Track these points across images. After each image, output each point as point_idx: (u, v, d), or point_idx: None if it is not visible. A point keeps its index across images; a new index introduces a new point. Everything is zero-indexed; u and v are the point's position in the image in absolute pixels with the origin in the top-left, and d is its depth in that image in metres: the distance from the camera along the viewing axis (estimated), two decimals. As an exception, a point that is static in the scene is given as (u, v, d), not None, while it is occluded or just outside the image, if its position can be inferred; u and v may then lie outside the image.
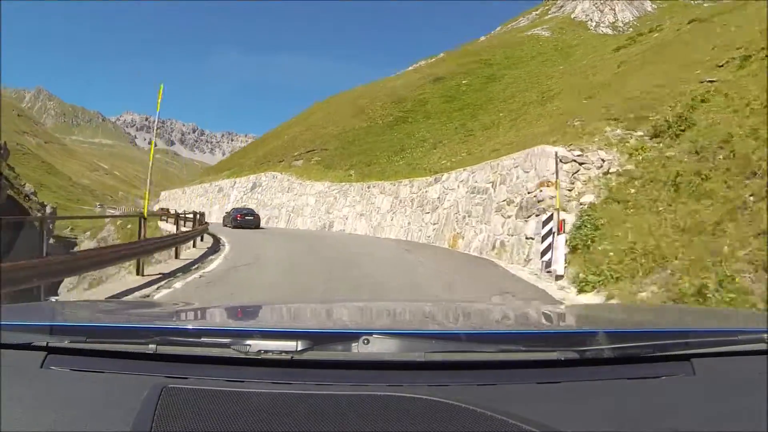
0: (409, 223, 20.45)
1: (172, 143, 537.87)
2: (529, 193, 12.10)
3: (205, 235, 18.73)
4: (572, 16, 46.70)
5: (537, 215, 11.24)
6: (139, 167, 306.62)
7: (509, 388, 1.06)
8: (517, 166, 13.20)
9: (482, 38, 49.28)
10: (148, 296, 7.21)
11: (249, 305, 2.67)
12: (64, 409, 0.97)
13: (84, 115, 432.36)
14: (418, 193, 20.28)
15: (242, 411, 0.93)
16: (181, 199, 58.42)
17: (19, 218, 21.06)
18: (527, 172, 12.55)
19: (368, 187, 25.98)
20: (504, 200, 13.32)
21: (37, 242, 6.82)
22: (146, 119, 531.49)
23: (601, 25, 44.39)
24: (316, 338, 1.13)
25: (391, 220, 22.14)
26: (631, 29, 35.60)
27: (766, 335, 1.21)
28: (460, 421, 0.92)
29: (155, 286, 8.09)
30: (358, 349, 1.10)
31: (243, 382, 1.04)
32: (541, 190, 11.59)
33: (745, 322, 1.83)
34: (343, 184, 27.98)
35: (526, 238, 11.61)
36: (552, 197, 10.46)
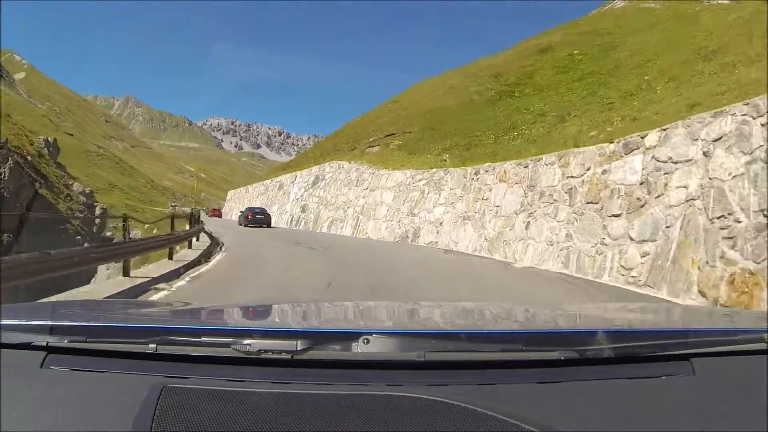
0: (568, 235, 11.82)
1: (258, 146, 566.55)
2: None
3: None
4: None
5: None
6: (225, 169, 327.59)
7: (509, 388, 1.10)
8: None
9: (583, 18, 45.94)
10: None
11: (249, 304, 2.89)
12: (64, 409, 1.00)
13: (171, 120, 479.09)
14: (583, 176, 11.85)
15: (242, 410, 0.97)
16: (244, 198, 57.57)
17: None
18: None
19: (475, 174, 18.24)
20: None
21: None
22: (232, 123, 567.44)
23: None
24: (316, 337, 1.17)
25: (525, 228, 13.99)
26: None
27: (766, 335, 1.26)
28: (459, 421, 0.96)
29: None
30: (358, 349, 1.14)
31: (243, 381, 1.08)
32: None
33: (745, 322, 1.88)
34: (435, 171, 21.68)
35: None
36: None
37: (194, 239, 17.07)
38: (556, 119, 21.38)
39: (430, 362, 1.15)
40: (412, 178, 22.16)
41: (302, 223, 35.22)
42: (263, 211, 33.14)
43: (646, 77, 21.62)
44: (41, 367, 1.13)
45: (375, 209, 24.86)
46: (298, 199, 37.88)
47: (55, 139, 52.75)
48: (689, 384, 1.16)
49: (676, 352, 1.23)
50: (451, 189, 18.51)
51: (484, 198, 16.07)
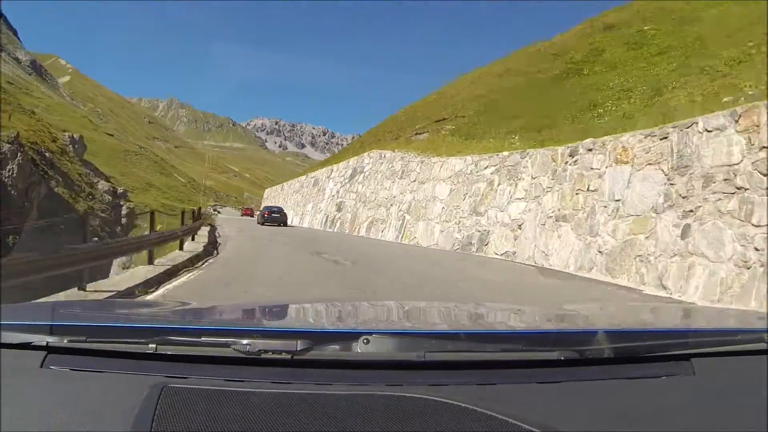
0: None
1: (303, 146, 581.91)
2: None
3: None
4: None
5: None
6: (269, 169, 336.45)
7: (509, 388, 1.13)
8: None
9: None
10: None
11: (249, 304, 3.01)
12: (64, 409, 1.02)
13: (215, 121, 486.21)
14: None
15: (242, 410, 0.99)
16: (279, 197, 55.69)
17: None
18: None
19: (570, 155, 13.06)
20: None
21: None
22: (276, 123, 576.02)
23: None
24: (316, 338, 1.20)
25: (682, 235, 9.08)
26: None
27: (766, 335, 1.30)
28: (459, 421, 0.98)
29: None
30: (358, 349, 1.17)
31: (243, 381, 1.10)
32: None
33: (745, 322, 1.97)
34: (509, 154, 16.48)
35: None
36: None
37: (190, 239, 16.28)
38: (648, 93, 19.14)
39: (430, 362, 1.16)
40: (476, 165, 18.16)
41: (337, 223, 30.86)
42: (280, 210, 35.68)
43: (750, 43, 19.25)
44: (41, 367, 1.15)
45: (426, 207, 20.99)
46: (333, 196, 34.39)
47: (81, 136, 52.03)
48: (689, 384, 1.18)
49: (676, 352, 1.25)
50: (533, 178, 14.53)
51: (591, 188, 11.89)
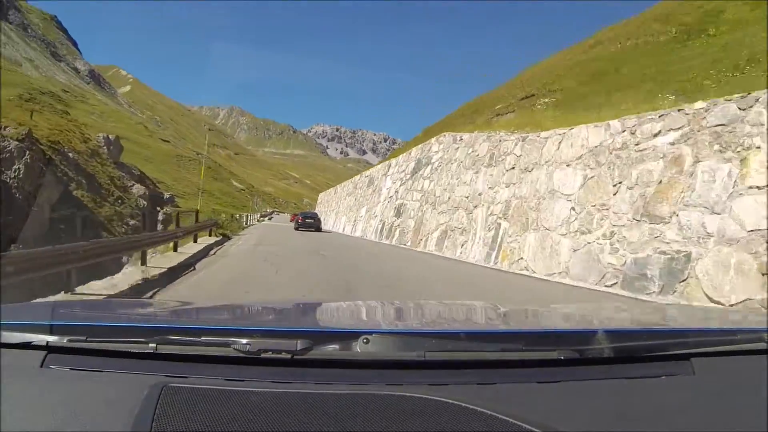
0: None
1: (364, 152, 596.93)
2: None
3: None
4: None
5: None
6: (330, 176, 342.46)
7: (509, 387, 1.15)
8: None
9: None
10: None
11: (249, 304, 3.02)
12: (64, 409, 1.04)
13: (275, 128, 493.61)
14: None
15: (242, 410, 1.01)
16: (332, 201, 52.55)
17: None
18: None
19: None
20: None
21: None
22: (336, 130, 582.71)
23: None
24: (316, 337, 1.23)
25: None
26: None
27: (766, 335, 1.33)
28: (460, 421, 1.00)
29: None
30: (358, 349, 1.21)
31: (243, 381, 1.13)
32: None
33: (745, 322, 2.04)
34: (707, 105, 9.32)
35: None
36: None
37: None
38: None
39: (430, 362, 1.19)
40: (635, 132, 11.20)
41: (396, 232, 24.44)
42: (314, 216, 37.83)
43: None
44: (41, 366, 1.17)
45: (539, 208, 13.46)
46: (391, 197, 27.06)
47: (117, 137, 50.44)
48: (689, 384, 1.21)
49: (676, 352, 1.28)
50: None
51: None
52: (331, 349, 1.21)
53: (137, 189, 38.80)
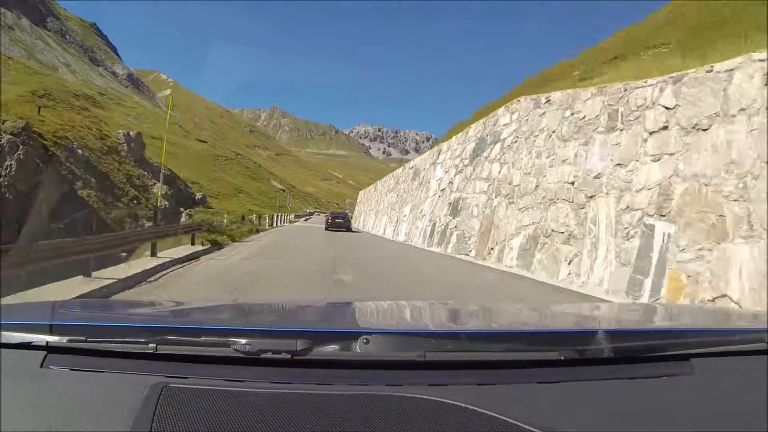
0: None
1: (407, 152, 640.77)
2: None
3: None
4: None
5: None
6: (373, 175, 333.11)
7: (509, 387, 1.16)
8: None
9: None
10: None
11: (249, 304, 3.04)
12: (64, 409, 1.05)
13: (317, 129, 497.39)
14: None
15: (242, 410, 1.02)
16: (372, 199, 48.39)
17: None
18: None
19: None
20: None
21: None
22: (378, 130, 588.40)
23: None
24: (315, 337, 1.23)
25: None
26: None
27: (766, 335, 1.33)
28: (460, 421, 1.02)
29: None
30: (358, 349, 1.22)
31: (243, 381, 1.14)
32: None
33: (745, 322, 1.99)
34: None
35: None
36: None
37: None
38: None
39: (430, 362, 1.19)
40: None
41: (453, 238, 18.00)
42: (344, 216, 38.26)
43: None
44: (41, 367, 1.19)
45: (747, 195, 7.34)
46: (443, 190, 20.37)
47: (138, 133, 48.25)
48: (689, 384, 1.21)
49: (676, 352, 1.28)
50: None
51: None
52: (331, 349, 1.21)
53: (159, 187, 37.56)
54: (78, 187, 29.00)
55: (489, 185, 17.45)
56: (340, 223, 36.35)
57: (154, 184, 40.19)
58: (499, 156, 17.31)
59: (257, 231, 31.13)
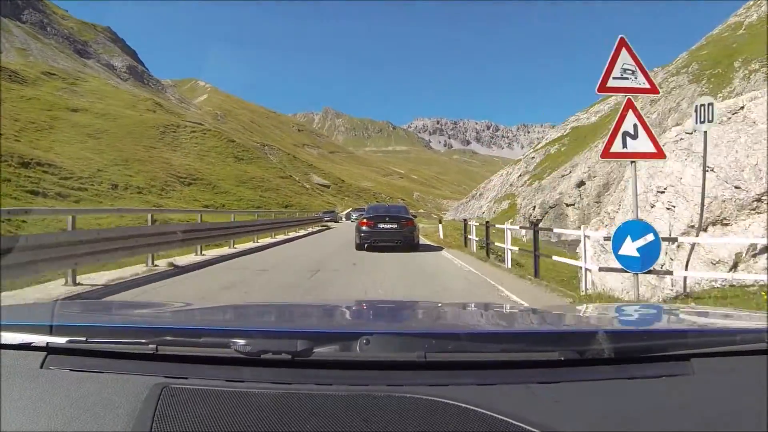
0: None
1: (468, 142, 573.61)
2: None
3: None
4: None
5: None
6: (436, 168, 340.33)
7: (509, 388, 1.17)
8: None
9: None
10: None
11: (249, 305, 3.12)
12: (63, 410, 1.08)
13: (373, 127, 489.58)
14: None
15: (242, 411, 1.05)
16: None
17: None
18: None
19: None
20: None
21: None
22: (437, 122, 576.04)
23: None
24: (316, 338, 1.25)
25: None
26: None
27: (766, 335, 1.32)
28: (460, 421, 1.04)
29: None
30: (358, 349, 1.23)
31: (243, 382, 1.17)
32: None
33: (745, 322, 1.88)
34: None
35: None
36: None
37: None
38: None
39: (431, 363, 1.20)
40: None
41: None
42: (397, 216, 17.26)
43: None
44: (41, 367, 1.21)
45: None
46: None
47: None
48: (689, 384, 1.21)
49: (676, 352, 1.28)
50: None
51: None
52: (332, 350, 1.22)
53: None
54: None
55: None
56: (392, 232, 16.65)
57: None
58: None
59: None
